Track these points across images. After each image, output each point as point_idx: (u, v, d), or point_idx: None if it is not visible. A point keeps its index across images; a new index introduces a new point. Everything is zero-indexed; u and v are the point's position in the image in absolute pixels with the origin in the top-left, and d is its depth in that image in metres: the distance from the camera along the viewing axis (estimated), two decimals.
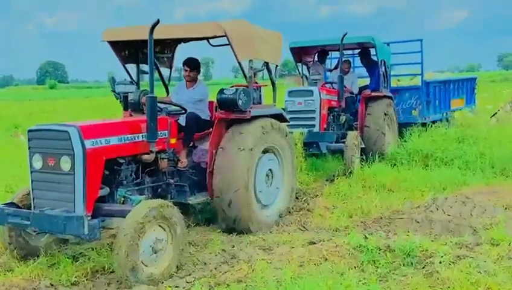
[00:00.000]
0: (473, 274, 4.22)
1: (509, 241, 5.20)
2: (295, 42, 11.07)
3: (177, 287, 4.53)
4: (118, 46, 6.51)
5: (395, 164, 9.37)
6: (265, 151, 6.50)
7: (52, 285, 4.69)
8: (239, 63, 6.15)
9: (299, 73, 11.37)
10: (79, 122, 5.20)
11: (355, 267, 4.72)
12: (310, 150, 9.34)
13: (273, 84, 7.09)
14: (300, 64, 11.43)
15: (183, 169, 6.14)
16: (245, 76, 6.41)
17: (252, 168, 6.11)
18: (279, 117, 6.84)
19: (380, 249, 4.97)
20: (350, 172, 9.01)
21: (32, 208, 4.94)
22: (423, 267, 4.61)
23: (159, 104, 5.58)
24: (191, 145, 6.38)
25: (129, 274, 4.38)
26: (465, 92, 14.48)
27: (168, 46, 7.11)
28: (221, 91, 6.13)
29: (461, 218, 6.29)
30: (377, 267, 4.71)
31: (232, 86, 6.49)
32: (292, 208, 7.25)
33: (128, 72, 6.71)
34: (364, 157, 9.62)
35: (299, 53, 11.29)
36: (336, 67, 10.86)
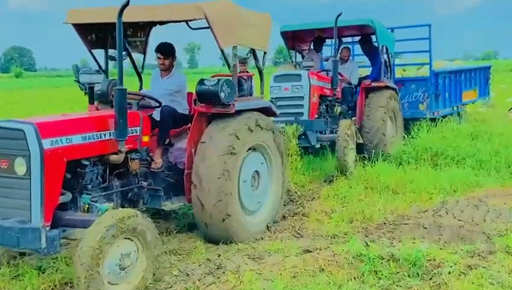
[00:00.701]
0: (486, 286, 4.28)
1: None
2: (287, 26, 11.08)
3: None
4: (84, 29, 6.41)
5: (400, 163, 9.47)
6: (251, 150, 6.46)
7: None
8: (221, 51, 6.10)
9: (292, 61, 11.37)
10: (36, 118, 5.15)
11: (355, 278, 4.75)
12: (299, 142, 9.24)
13: (260, 73, 7.08)
14: (293, 51, 11.42)
15: (157, 170, 6.10)
16: (228, 65, 6.36)
17: (235, 169, 6.07)
18: (268, 111, 6.82)
19: (383, 258, 4.99)
20: (346, 170, 9.05)
21: None
22: (430, 279, 4.64)
23: (129, 97, 5.54)
24: (166, 143, 6.36)
25: None
26: (478, 83, 14.55)
27: (141, 28, 7.03)
28: (201, 82, 6.10)
29: (473, 223, 6.35)
30: (379, 279, 4.72)
31: (213, 76, 6.46)
32: (285, 209, 7.32)
33: (95, 59, 6.64)
34: (366, 155, 9.65)
35: (292, 39, 11.33)
36: (334, 55, 10.88)
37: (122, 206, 5.57)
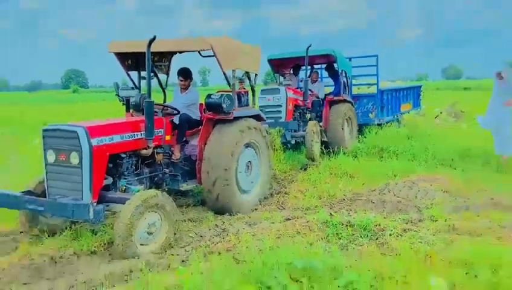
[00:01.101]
0: (416, 244, 4.27)
1: (445, 218, 5.28)
2: (273, 55, 11.00)
3: (178, 255, 4.54)
4: (122, 57, 6.35)
5: (355, 156, 9.41)
6: (245, 146, 6.38)
7: (75, 253, 4.70)
8: (224, 73, 6.05)
9: (277, 81, 11.38)
10: (87, 122, 5.10)
11: (322, 238, 4.74)
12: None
13: (252, 89, 7.03)
14: (277, 74, 11.42)
15: (176, 161, 6.04)
16: (228, 83, 6.31)
17: (233, 159, 6.01)
18: (258, 117, 6.78)
19: (342, 224, 4.99)
20: (313, 158, 9.02)
21: (47, 195, 4.86)
22: (376, 239, 4.65)
23: (155, 107, 5.49)
24: (183, 140, 6.29)
25: (131, 258, 4.36)
26: (412, 98, 14.51)
27: (165, 56, 6.93)
28: (209, 96, 6.04)
29: (408, 199, 6.34)
30: (340, 239, 4.73)
31: (218, 92, 6.37)
32: (271, 189, 7.25)
33: (131, 78, 6.56)
34: (331, 150, 9.67)
35: (277, 65, 11.23)
36: (306, 77, 10.91)
37: (150, 188, 5.54)
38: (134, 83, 6.57)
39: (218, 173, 5.83)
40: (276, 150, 8.81)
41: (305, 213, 5.90)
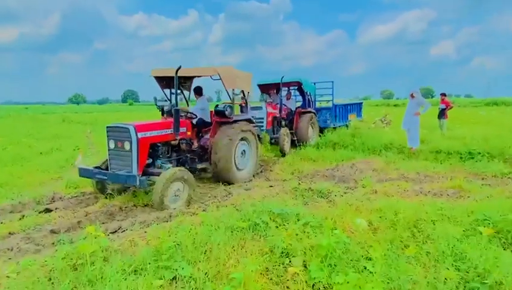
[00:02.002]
0: (351, 201, 4.37)
1: (371, 186, 5.40)
2: (261, 80, 10.96)
3: (199, 207, 4.60)
4: (159, 79, 6.26)
5: (317, 147, 9.47)
6: (240, 140, 6.32)
7: (134, 205, 4.80)
8: (226, 91, 6.00)
9: (265, 99, 11.43)
10: (135, 122, 5.09)
11: (292, 198, 4.80)
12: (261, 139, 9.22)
13: (246, 102, 6.96)
14: (264, 94, 11.41)
15: (195, 149, 5.96)
16: (230, 97, 6.27)
17: (232, 148, 5.94)
18: (250, 121, 6.73)
19: (306, 189, 5.08)
20: (284, 152, 8.96)
21: (109, 169, 4.87)
22: (327, 198, 4.76)
23: (181, 113, 5.46)
24: (200, 135, 6.23)
25: (162, 210, 4.38)
26: (356, 110, 14.52)
27: (188, 78, 6.85)
28: (216, 106, 6.01)
29: (349, 175, 6.47)
30: (304, 198, 4.80)
31: (222, 103, 6.32)
32: (261, 168, 7.25)
33: (165, 94, 6.47)
34: (301, 145, 9.73)
35: (263, 87, 11.19)
36: (281, 97, 10.89)
37: (177, 166, 5.49)
38: (167, 97, 6.50)
39: (222, 157, 5.80)
40: (265, 144, 8.89)
41: (283, 183, 5.96)
